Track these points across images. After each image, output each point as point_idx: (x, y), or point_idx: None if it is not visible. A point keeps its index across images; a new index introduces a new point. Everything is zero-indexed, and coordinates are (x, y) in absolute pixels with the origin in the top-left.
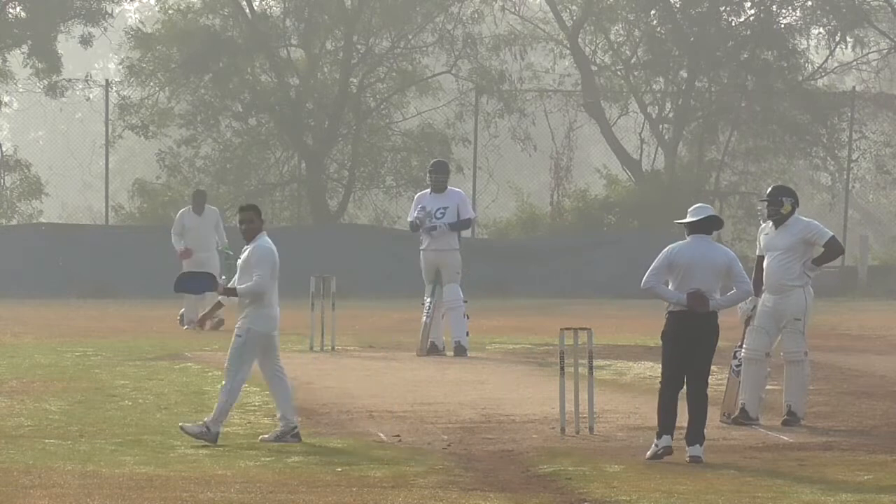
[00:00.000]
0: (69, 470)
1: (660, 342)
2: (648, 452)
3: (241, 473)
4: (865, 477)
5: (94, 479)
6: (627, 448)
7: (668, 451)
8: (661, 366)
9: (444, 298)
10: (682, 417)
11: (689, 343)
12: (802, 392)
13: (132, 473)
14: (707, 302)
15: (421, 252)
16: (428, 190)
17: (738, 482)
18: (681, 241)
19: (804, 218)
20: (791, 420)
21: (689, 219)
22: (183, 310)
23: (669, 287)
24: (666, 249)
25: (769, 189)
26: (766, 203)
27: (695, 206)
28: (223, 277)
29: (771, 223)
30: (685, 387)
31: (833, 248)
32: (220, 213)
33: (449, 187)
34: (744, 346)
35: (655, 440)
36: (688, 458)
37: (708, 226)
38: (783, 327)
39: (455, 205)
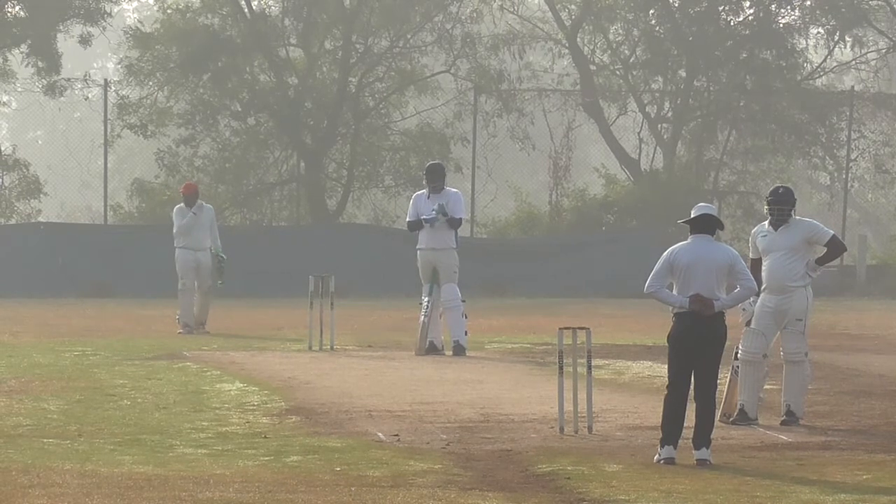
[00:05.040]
0: (68, 469)
1: (664, 342)
2: (654, 457)
3: (239, 473)
4: (864, 476)
5: (92, 479)
6: (626, 447)
7: (670, 461)
8: (667, 369)
9: (443, 298)
10: (689, 418)
11: (696, 344)
12: (802, 392)
13: (131, 473)
14: (711, 304)
15: (418, 251)
16: (425, 191)
17: (737, 482)
18: (681, 242)
19: (804, 218)
20: (790, 420)
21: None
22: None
23: (674, 289)
24: (666, 252)
25: (780, 191)
26: (775, 205)
27: (698, 205)
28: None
29: (768, 224)
30: (692, 391)
31: (835, 248)
32: (214, 212)
33: (446, 187)
34: (741, 348)
35: (659, 448)
36: (695, 462)
37: (708, 225)
38: (784, 327)
39: (451, 206)
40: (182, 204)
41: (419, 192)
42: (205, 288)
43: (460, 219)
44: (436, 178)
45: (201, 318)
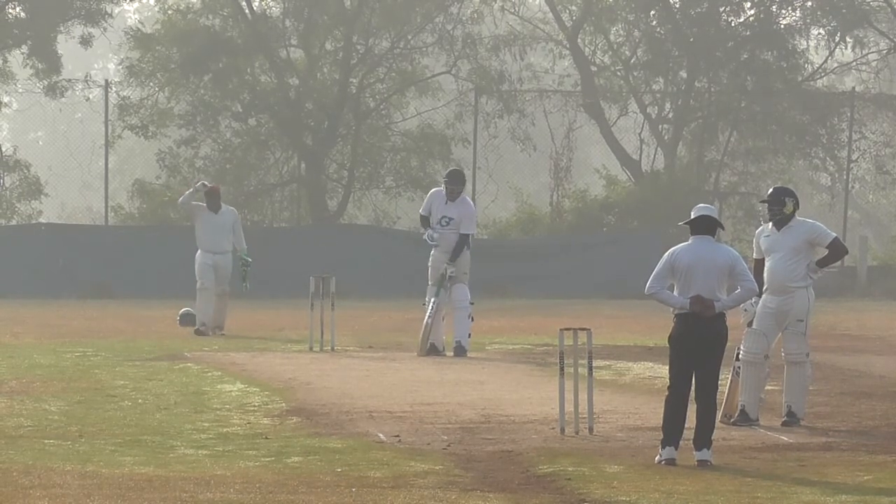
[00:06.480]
0: (69, 470)
1: (665, 343)
2: (655, 458)
3: (240, 474)
4: (865, 477)
5: (93, 480)
6: (627, 448)
7: (671, 462)
8: (668, 370)
9: (452, 297)
10: (690, 419)
11: (696, 345)
12: (803, 393)
13: (132, 474)
14: (711, 305)
15: (433, 250)
16: (444, 190)
17: (738, 482)
18: (682, 243)
19: (807, 219)
20: (791, 420)
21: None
22: (183, 310)
23: (675, 290)
24: (667, 253)
25: (770, 190)
26: (766, 204)
27: (697, 206)
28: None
29: (771, 225)
30: (693, 392)
31: (837, 250)
32: (237, 215)
33: (463, 195)
34: (742, 348)
35: (660, 449)
36: (696, 463)
37: (708, 226)
38: (785, 328)
39: (460, 217)
40: (204, 204)
41: (438, 189)
42: (220, 291)
43: (468, 235)
44: (456, 183)
45: (218, 322)
